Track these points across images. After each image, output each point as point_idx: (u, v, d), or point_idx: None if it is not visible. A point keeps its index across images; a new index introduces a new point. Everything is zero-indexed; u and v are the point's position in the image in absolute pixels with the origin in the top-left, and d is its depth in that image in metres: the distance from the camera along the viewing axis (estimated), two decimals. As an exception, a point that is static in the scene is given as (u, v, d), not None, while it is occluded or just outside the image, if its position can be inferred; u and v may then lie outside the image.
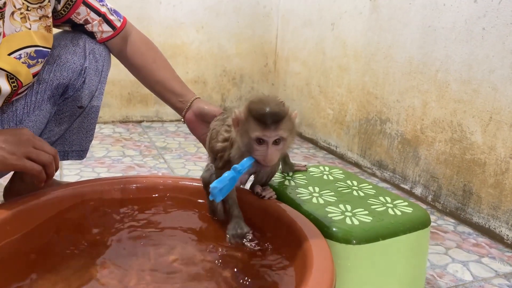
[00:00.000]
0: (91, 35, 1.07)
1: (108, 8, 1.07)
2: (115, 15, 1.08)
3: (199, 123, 1.08)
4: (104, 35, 1.07)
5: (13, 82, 0.91)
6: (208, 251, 0.84)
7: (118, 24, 1.08)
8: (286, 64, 2.42)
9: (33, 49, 0.93)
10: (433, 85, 1.49)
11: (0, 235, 0.75)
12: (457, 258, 1.17)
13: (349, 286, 0.83)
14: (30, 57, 0.93)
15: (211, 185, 0.72)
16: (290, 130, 0.74)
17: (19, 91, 0.94)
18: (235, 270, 0.78)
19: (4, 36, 0.88)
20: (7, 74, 0.89)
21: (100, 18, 1.05)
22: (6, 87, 0.90)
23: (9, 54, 0.89)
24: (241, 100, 2.53)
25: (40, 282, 0.71)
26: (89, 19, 1.03)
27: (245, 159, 0.75)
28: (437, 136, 1.49)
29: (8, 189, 1.16)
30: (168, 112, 2.39)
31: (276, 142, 0.74)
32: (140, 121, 2.34)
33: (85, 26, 1.04)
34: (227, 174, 0.72)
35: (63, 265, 0.76)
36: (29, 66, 0.93)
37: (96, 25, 1.05)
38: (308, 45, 2.20)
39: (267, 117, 0.72)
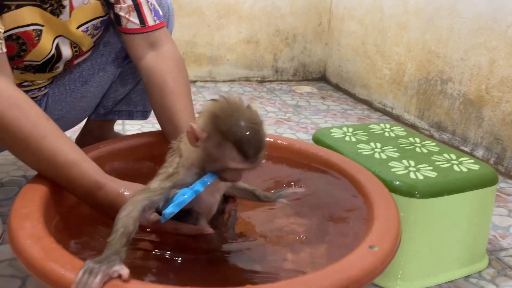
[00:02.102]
0: (117, 19, 0.91)
1: (147, 0, 0.90)
2: (152, 13, 0.91)
3: None
4: (129, 26, 0.90)
5: (75, 48, 0.94)
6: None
7: (150, 22, 0.90)
8: (341, 23, 2.35)
9: (99, 20, 0.93)
10: (503, 42, 1.41)
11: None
12: (521, 221, 1.14)
13: (412, 240, 0.84)
14: (95, 27, 0.94)
15: (166, 211, 0.61)
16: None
17: (80, 56, 0.97)
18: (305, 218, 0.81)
19: (72, 9, 0.87)
20: (71, 42, 0.92)
21: (132, 4, 0.89)
22: (68, 52, 0.92)
23: (78, 27, 0.90)
24: (293, 61, 2.50)
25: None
26: None
27: (205, 176, 0.61)
28: (504, 96, 1.42)
29: (79, 141, 1.24)
30: (221, 72, 2.41)
31: None
32: (194, 81, 2.39)
33: (115, 6, 0.89)
34: (186, 196, 0.61)
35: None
36: (93, 36, 0.95)
37: (125, 10, 0.89)
38: (364, 2, 2.12)
39: (250, 148, 0.57)
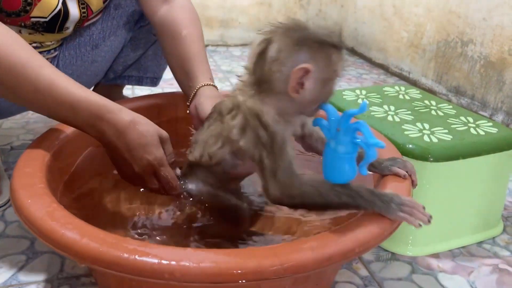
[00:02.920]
0: None
1: None
2: None
3: (197, 122, 0.80)
4: None
5: (83, 8, 0.91)
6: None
7: None
8: (358, -17, 2.26)
9: None
10: (529, 0, 1.33)
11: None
12: (539, 187, 1.10)
13: (424, 204, 0.81)
14: None
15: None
16: None
17: (90, 17, 0.94)
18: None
19: None
20: (78, 0, 0.89)
21: None
22: (76, 12, 0.89)
23: None
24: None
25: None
26: None
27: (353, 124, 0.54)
28: (527, 58, 1.35)
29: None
30: (233, 36, 2.35)
31: None
32: (206, 45, 2.34)
33: None
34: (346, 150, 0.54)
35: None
36: None
37: None
38: (383, -40, 2.02)
39: (340, 39, 0.56)
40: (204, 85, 0.82)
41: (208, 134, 0.65)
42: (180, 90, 0.90)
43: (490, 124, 0.88)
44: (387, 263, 0.81)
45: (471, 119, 0.91)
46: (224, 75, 1.89)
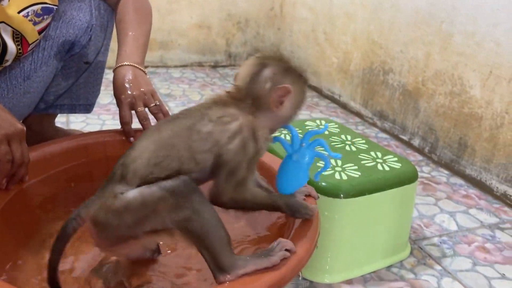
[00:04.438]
0: None
1: None
2: None
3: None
4: None
5: (17, 41, 0.92)
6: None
7: None
8: (293, 8, 2.37)
9: (40, 6, 0.93)
10: (437, 37, 1.47)
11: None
12: (446, 209, 1.23)
13: (337, 236, 0.89)
14: (37, 14, 0.93)
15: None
16: None
17: (27, 50, 0.96)
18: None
19: None
20: (12, 31, 0.90)
21: None
22: (12, 46, 0.91)
23: (19, 12, 0.89)
24: (246, 45, 2.51)
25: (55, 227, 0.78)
26: None
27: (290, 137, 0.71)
28: (437, 89, 1.49)
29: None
30: (173, 58, 2.39)
31: None
32: (145, 67, 2.35)
33: None
34: (294, 167, 0.71)
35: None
36: (35, 23, 0.93)
37: None
38: (315, -11, 2.14)
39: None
40: (118, 67, 0.99)
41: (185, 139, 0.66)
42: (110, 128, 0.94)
43: (396, 159, 0.98)
44: (305, 291, 0.88)
45: (379, 154, 1.00)
46: (162, 98, 1.92)
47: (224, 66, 2.48)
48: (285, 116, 0.69)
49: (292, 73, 0.68)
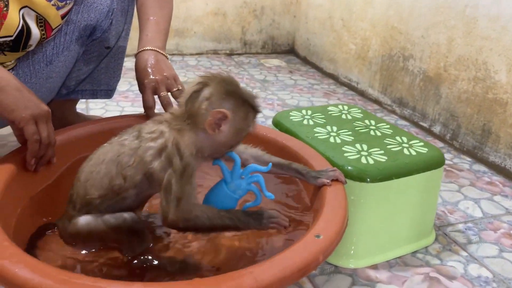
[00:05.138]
0: None
1: None
2: None
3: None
4: None
5: (41, 26, 0.92)
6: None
7: None
8: (309, -5, 2.34)
9: None
10: (461, 21, 1.44)
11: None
12: (470, 196, 1.21)
13: (362, 221, 0.88)
14: None
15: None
16: None
17: (50, 35, 0.96)
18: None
19: None
20: (36, 16, 0.90)
21: None
22: (36, 31, 0.91)
23: None
24: (261, 33, 2.49)
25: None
26: None
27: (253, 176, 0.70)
28: (460, 74, 1.46)
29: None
30: (188, 45, 2.38)
31: None
32: (161, 55, 2.35)
33: None
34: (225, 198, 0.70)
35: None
36: (58, 8, 0.93)
37: None
38: (332, -25, 2.11)
39: (259, 105, 0.69)
40: (140, 51, 1.00)
41: (117, 152, 0.69)
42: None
43: (422, 144, 0.97)
44: (330, 276, 0.88)
45: (405, 139, 0.99)
46: (179, 86, 1.91)
47: (239, 54, 2.47)
48: (224, 141, 0.68)
49: (234, 98, 0.66)
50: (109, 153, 0.69)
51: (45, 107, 0.76)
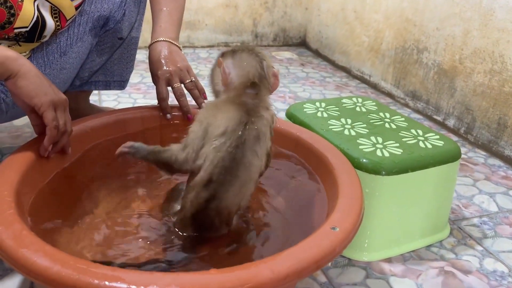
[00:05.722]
0: None
1: None
2: None
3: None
4: None
5: (56, 17, 0.92)
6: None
7: None
8: (321, -13, 2.32)
9: None
10: (477, 13, 1.41)
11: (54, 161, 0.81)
12: (484, 190, 1.20)
13: (377, 214, 0.88)
14: None
15: None
16: None
17: (64, 26, 0.96)
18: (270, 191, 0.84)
19: None
20: (51, 7, 0.90)
21: None
22: (51, 22, 0.91)
23: None
24: (273, 26, 2.47)
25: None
26: None
27: None
28: (476, 67, 1.44)
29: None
30: (200, 37, 2.37)
31: None
32: (172, 47, 2.34)
33: None
34: None
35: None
36: None
37: None
38: (345, -34, 2.08)
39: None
40: (153, 43, 1.00)
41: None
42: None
43: (437, 137, 0.96)
44: (344, 269, 0.88)
45: (420, 132, 0.98)
46: (190, 78, 1.91)
47: (250, 47, 2.45)
48: None
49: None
50: None
51: (63, 95, 0.77)
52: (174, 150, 0.70)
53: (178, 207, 0.76)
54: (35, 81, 0.72)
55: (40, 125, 0.75)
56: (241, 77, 0.72)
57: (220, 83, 0.75)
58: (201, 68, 2.06)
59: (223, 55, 0.77)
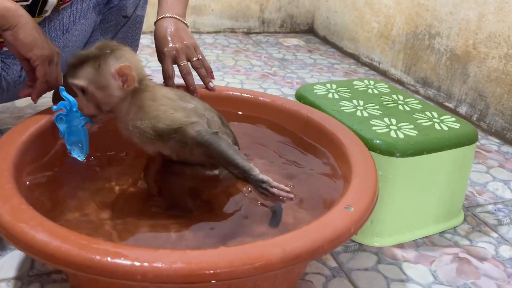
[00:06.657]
0: None
1: None
2: None
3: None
4: None
5: None
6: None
7: None
8: (330, -28, 2.26)
9: None
10: (493, -5, 1.37)
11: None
12: (499, 177, 1.16)
13: (390, 197, 0.85)
14: None
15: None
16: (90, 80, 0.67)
17: (67, 1, 0.93)
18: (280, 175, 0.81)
19: None
20: None
21: None
22: None
23: None
24: (280, 12, 2.43)
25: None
26: None
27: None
28: (490, 52, 1.40)
29: (56, 95, 1.20)
30: (205, 23, 2.33)
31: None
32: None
33: None
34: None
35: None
36: None
37: None
38: (355, -50, 2.03)
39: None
40: (160, 19, 0.96)
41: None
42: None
43: (453, 119, 0.92)
44: (354, 254, 0.85)
45: (435, 114, 0.94)
46: (196, 63, 1.88)
47: (257, 33, 2.41)
48: None
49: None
50: None
51: (56, 49, 0.78)
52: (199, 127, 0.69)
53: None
54: (32, 33, 0.72)
55: (31, 72, 0.76)
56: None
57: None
58: (207, 53, 2.02)
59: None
